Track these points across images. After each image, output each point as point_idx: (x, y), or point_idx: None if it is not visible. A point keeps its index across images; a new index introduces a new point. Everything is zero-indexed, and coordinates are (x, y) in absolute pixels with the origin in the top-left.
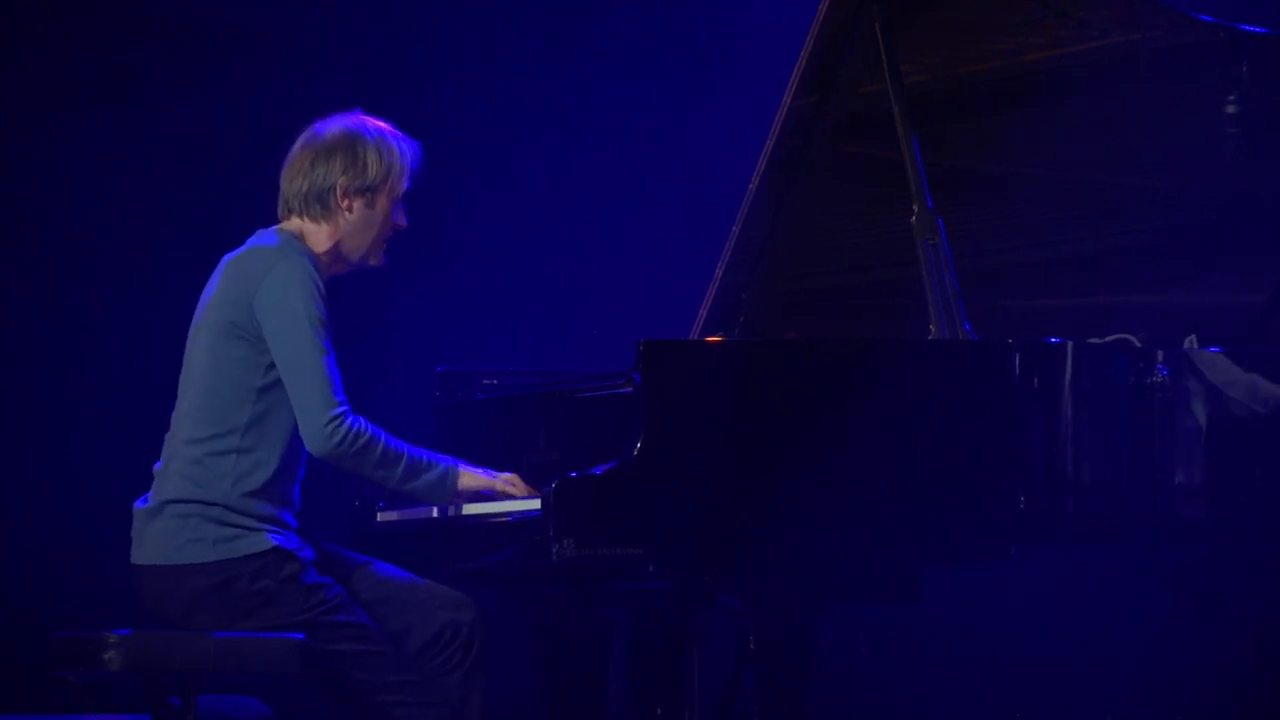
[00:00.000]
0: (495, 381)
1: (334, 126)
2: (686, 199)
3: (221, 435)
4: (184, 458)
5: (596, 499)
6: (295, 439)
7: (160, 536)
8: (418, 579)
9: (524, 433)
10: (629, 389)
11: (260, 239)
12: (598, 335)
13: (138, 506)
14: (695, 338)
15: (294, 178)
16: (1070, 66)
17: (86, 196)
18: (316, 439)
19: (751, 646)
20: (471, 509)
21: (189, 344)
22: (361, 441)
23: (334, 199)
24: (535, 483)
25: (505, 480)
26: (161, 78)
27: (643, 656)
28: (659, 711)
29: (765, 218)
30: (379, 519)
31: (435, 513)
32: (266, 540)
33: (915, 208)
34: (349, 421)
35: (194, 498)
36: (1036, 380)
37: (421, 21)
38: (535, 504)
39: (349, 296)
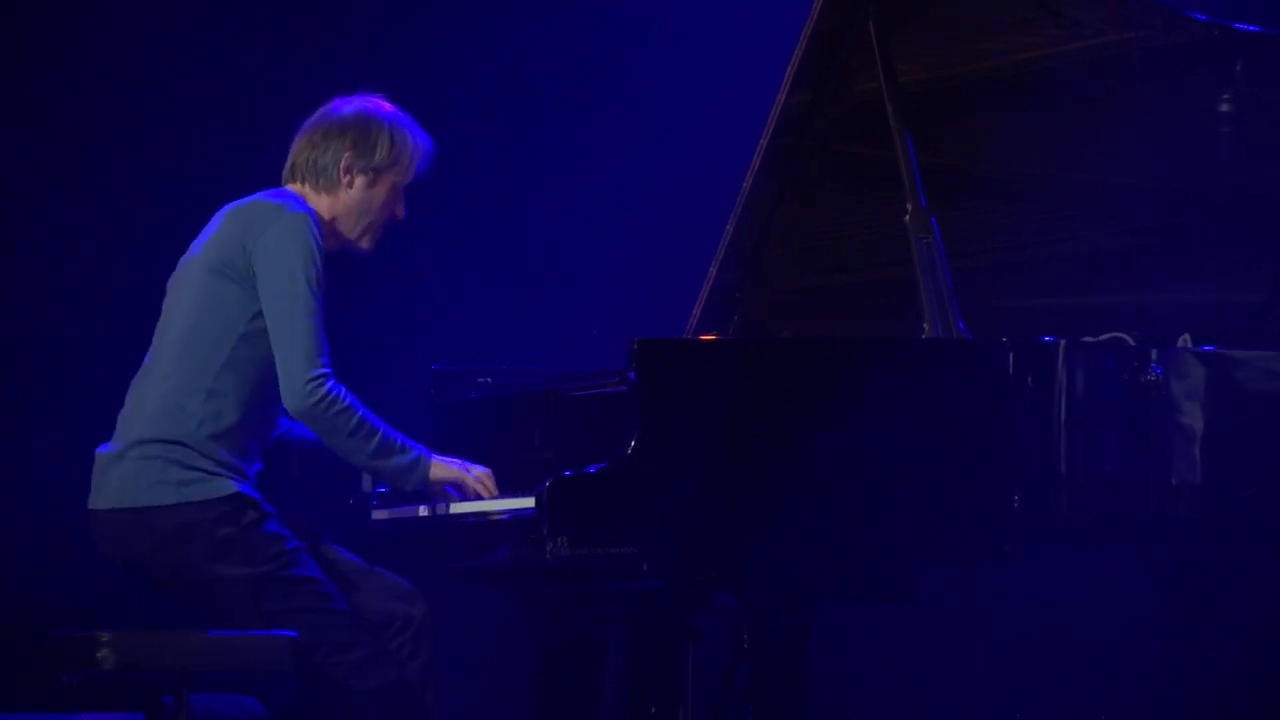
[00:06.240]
0: (490, 380)
1: (352, 105)
2: (681, 197)
3: (196, 373)
4: (156, 394)
5: (590, 498)
6: (267, 394)
7: (123, 479)
8: (371, 566)
9: (519, 431)
10: (623, 387)
11: (266, 194)
12: (592, 334)
13: (100, 451)
14: (689, 336)
15: (303, 149)
16: (1064, 65)
17: (70, 190)
18: (295, 396)
19: (746, 645)
20: (467, 507)
21: (171, 289)
22: (338, 407)
23: (337, 172)
24: (530, 481)
25: (477, 476)
26: (140, 71)
27: (638, 655)
28: (654, 710)
29: (759, 216)
30: (374, 516)
31: (431, 511)
32: (230, 485)
33: (909, 206)
34: (329, 385)
35: (159, 436)
36: (1030, 379)
37: (418, 21)
38: (529, 502)
39: (345, 296)
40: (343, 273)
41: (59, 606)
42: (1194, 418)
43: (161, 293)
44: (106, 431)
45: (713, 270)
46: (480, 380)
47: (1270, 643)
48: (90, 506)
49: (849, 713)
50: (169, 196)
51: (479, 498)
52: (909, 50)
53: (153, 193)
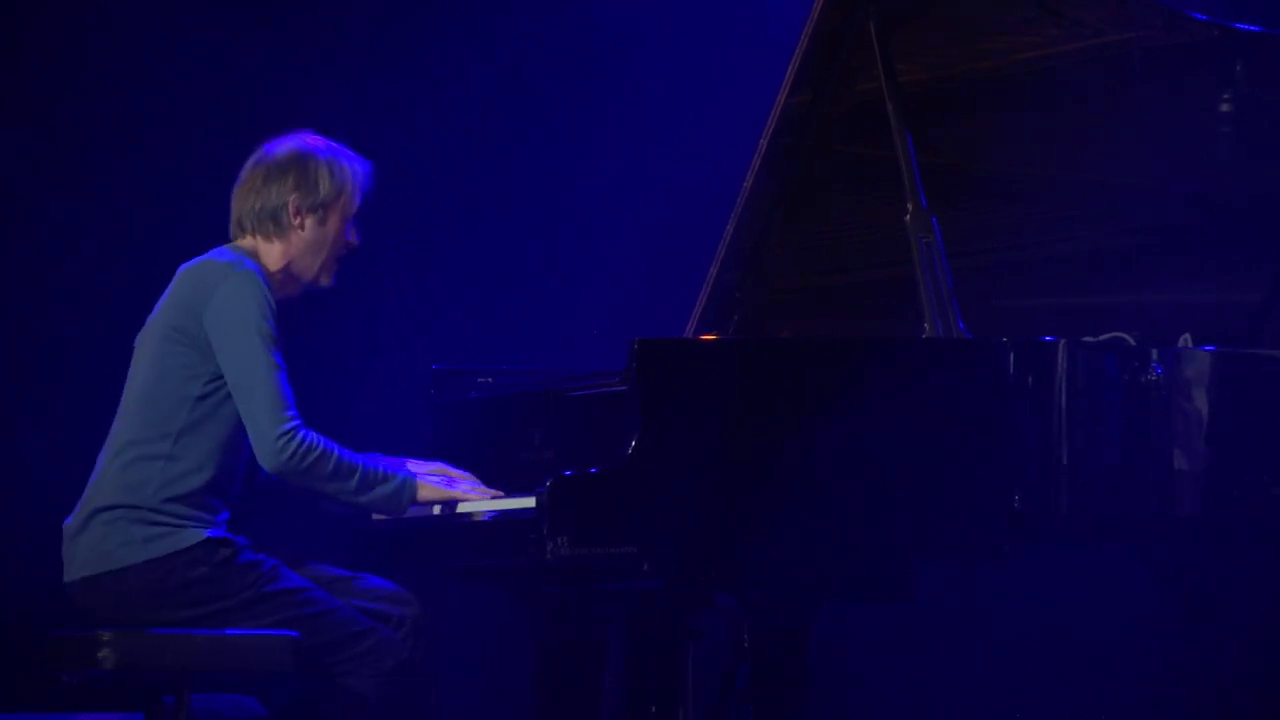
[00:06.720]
0: (490, 380)
1: (285, 146)
2: (681, 197)
3: (153, 440)
4: (117, 462)
5: (591, 498)
6: (228, 453)
7: (90, 546)
8: (355, 573)
9: (519, 431)
10: (624, 387)
11: (216, 253)
12: (593, 334)
13: (65, 524)
14: (690, 336)
15: (246, 196)
16: (1064, 65)
17: (70, 190)
18: (268, 454)
19: (746, 645)
20: (467, 507)
21: (136, 350)
22: (314, 456)
23: (287, 216)
24: (530, 481)
25: (463, 487)
26: (140, 71)
27: (638, 655)
28: (654, 710)
29: (759, 216)
30: (374, 517)
31: (431, 511)
32: (198, 534)
33: (910, 206)
34: (300, 435)
35: (120, 503)
36: (1031, 379)
37: (418, 21)
38: (529, 502)
39: (345, 296)
40: (343, 273)
41: (59, 606)
42: (1194, 417)
43: (160, 292)
44: (106, 430)
45: (713, 270)
46: (480, 380)
47: (1270, 643)
48: (65, 580)
49: (849, 713)
50: (169, 196)
51: None
52: (909, 50)
53: (153, 193)
